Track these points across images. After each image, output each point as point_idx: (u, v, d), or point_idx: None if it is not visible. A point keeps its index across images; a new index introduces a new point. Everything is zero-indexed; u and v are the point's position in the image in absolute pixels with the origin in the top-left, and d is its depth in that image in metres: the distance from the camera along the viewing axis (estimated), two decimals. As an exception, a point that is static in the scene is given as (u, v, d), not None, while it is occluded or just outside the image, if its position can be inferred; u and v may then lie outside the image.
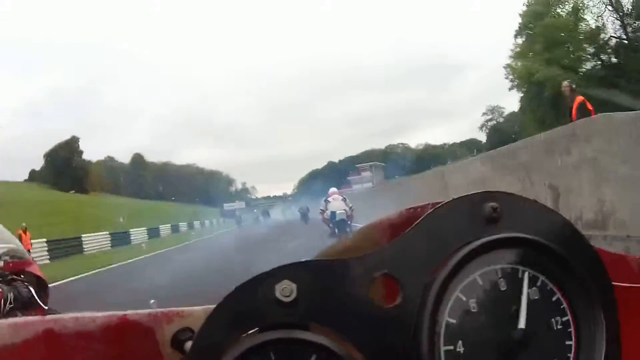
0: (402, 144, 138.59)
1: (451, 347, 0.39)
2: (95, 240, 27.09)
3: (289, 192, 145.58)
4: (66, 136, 73.49)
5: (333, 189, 11.51)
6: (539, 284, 0.43)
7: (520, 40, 37.05)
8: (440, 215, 0.43)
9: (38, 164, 74.82)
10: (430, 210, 0.43)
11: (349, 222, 10.95)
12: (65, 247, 23.26)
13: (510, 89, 38.83)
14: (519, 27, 36.77)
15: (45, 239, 21.72)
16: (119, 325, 0.42)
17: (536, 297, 0.42)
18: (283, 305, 0.38)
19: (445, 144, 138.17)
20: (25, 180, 69.88)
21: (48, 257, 20.95)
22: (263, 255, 12.22)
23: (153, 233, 36.73)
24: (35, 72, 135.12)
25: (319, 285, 0.39)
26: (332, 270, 0.40)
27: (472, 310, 0.40)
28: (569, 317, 0.43)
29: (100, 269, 15.40)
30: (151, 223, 40.20)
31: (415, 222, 0.42)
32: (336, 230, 11.08)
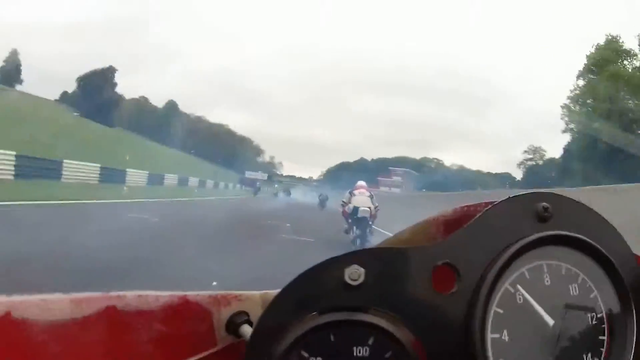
0: (436, 159, 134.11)
1: (497, 335, 0.41)
2: (80, 170, 23.54)
3: (314, 176, 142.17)
4: (104, 64, 72.71)
5: (361, 182, 10.35)
6: (579, 281, 0.45)
7: (581, 82, 34.98)
8: (496, 212, 0.46)
9: (71, 86, 73.90)
10: (488, 208, 0.46)
11: (370, 222, 9.86)
12: (39, 168, 19.51)
13: (563, 132, 37.97)
14: (584, 69, 34.37)
15: (14, 153, 17.97)
16: (179, 305, 0.43)
17: (576, 293, 0.45)
18: (350, 289, 0.40)
19: (480, 171, 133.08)
20: (56, 100, 68.91)
21: (13, 173, 17.56)
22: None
23: (154, 179, 33.32)
24: None
25: (385, 271, 0.41)
26: (398, 258, 0.42)
27: (518, 302, 0.43)
28: (603, 314, 0.45)
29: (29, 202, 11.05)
30: (160, 170, 37.36)
31: (475, 217, 0.45)
32: (354, 229, 9.95)
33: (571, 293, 0.45)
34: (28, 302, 0.37)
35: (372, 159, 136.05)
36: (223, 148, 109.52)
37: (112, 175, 26.30)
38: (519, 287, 0.43)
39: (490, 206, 0.46)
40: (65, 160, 21.81)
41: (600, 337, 0.45)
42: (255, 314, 0.43)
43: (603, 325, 0.45)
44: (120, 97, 75.18)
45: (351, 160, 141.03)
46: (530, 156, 74.20)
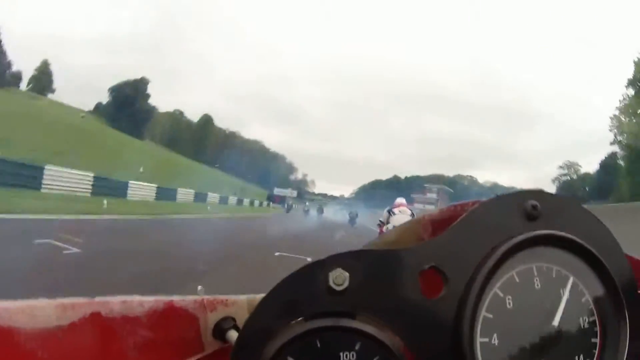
0: (470, 176, 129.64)
1: (487, 340, 0.41)
2: (142, 189, 22.26)
3: (346, 194, 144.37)
4: (137, 75, 72.33)
5: (401, 200, 9.10)
6: (570, 283, 0.44)
7: (631, 92, 32.44)
8: (483, 211, 0.45)
9: (106, 97, 73.25)
10: (475, 207, 0.45)
11: None
12: (110, 187, 21.25)
13: (612, 143, 37.43)
14: (633, 77, 32.56)
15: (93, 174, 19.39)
16: (165, 310, 0.43)
17: (567, 297, 0.44)
18: (335, 294, 0.39)
19: (513, 187, 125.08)
20: (89, 111, 68.36)
21: (90, 191, 19.05)
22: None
23: (165, 194, 29.67)
24: (125, 5, 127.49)
25: (370, 275, 0.40)
26: (383, 261, 0.41)
27: (508, 307, 0.42)
28: (595, 317, 0.45)
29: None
30: (179, 184, 34.46)
31: (461, 217, 0.44)
32: None
33: (562, 296, 0.44)
34: (14, 308, 0.36)
35: (405, 177, 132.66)
36: (256, 164, 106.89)
37: (110, 187, 23.47)
38: (508, 291, 0.43)
39: (477, 206, 0.45)
40: (48, 166, 18.79)
41: (593, 341, 0.44)
42: (242, 319, 0.42)
43: (595, 329, 0.45)
44: (152, 109, 74.09)
45: (384, 178, 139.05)
46: (565, 171, 73.87)
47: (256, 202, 56.65)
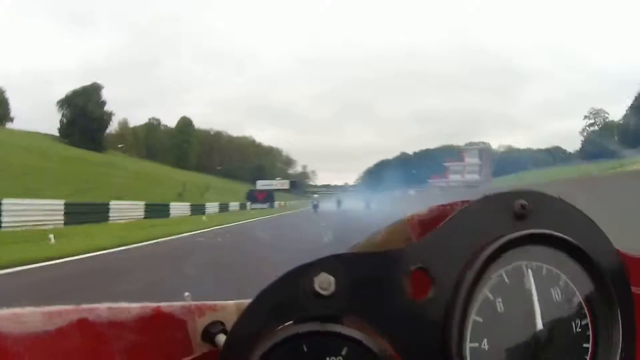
0: (483, 142, 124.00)
1: (477, 345, 0.40)
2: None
3: (350, 182, 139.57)
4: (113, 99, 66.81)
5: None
6: (561, 283, 0.44)
7: None
8: (471, 211, 0.44)
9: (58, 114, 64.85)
10: (463, 207, 0.44)
11: None
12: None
13: None
14: None
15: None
16: (153, 316, 0.42)
17: (558, 297, 0.43)
18: (321, 298, 0.39)
19: (530, 149, 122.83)
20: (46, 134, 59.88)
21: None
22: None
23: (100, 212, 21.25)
24: (98, 34, 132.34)
25: (356, 278, 0.40)
26: (369, 264, 0.41)
27: (498, 310, 0.42)
28: (587, 319, 0.44)
29: None
30: (143, 197, 27.30)
31: (448, 218, 0.43)
32: None
33: (553, 297, 0.43)
34: (1, 315, 0.36)
35: (414, 152, 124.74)
36: (249, 162, 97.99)
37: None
38: (498, 293, 0.42)
39: (465, 205, 0.45)
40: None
41: (585, 345, 0.44)
42: (231, 323, 0.41)
43: (588, 333, 0.44)
44: (108, 115, 62.91)
45: (390, 157, 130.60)
46: (592, 121, 69.26)
47: (232, 206, 45.53)
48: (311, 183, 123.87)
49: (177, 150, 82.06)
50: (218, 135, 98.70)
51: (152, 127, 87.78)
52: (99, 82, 61.60)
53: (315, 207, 43.81)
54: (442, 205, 0.52)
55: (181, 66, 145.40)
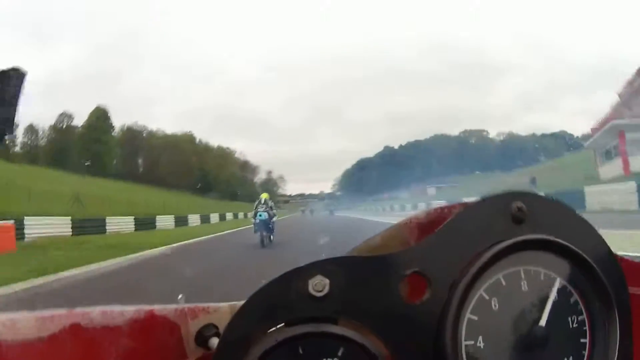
0: (480, 130, 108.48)
1: (472, 342, 0.41)
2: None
3: (326, 190, 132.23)
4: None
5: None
6: (558, 285, 0.44)
7: None
8: (468, 215, 0.44)
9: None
10: (459, 210, 0.45)
11: None
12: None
13: None
14: None
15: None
16: (146, 319, 0.43)
17: (555, 299, 0.43)
18: (315, 300, 0.39)
19: (534, 134, 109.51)
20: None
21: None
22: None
23: None
24: (61, 47, 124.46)
25: (351, 281, 0.40)
26: (364, 267, 0.41)
27: (494, 309, 0.42)
28: (584, 318, 0.45)
29: None
30: None
31: (445, 222, 0.44)
32: None
33: (550, 298, 0.43)
34: None
35: (400, 145, 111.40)
36: (187, 166, 78.78)
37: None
38: (494, 294, 0.42)
39: (462, 209, 0.45)
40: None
41: (582, 341, 0.44)
42: (224, 326, 0.41)
43: (584, 328, 0.45)
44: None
45: (371, 154, 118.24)
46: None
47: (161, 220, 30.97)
48: (282, 192, 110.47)
49: (85, 153, 61.64)
50: (150, 135, 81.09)
51: (60, 126, 67.15)
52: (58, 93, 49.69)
53: (312, 211, 50.89)
54: (440, 208, 0.52)
55: (146, 78, 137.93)
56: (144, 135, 79.33)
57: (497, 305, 0.42)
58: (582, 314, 0.44)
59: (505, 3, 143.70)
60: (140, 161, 75.74)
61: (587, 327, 0.44)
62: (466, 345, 0.40)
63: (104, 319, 0.40)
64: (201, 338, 0.44)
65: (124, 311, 0.41)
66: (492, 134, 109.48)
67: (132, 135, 76.27)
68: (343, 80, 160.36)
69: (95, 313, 0.40)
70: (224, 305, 0.47)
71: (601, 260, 0.45)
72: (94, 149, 63.73)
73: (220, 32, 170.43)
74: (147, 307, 0.43)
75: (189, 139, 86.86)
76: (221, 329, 0.45)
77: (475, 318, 0.41)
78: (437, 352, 0.40)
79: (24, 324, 0.37)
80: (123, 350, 0.41)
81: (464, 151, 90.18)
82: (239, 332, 0.38)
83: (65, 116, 69.60)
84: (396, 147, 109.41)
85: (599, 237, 0.47)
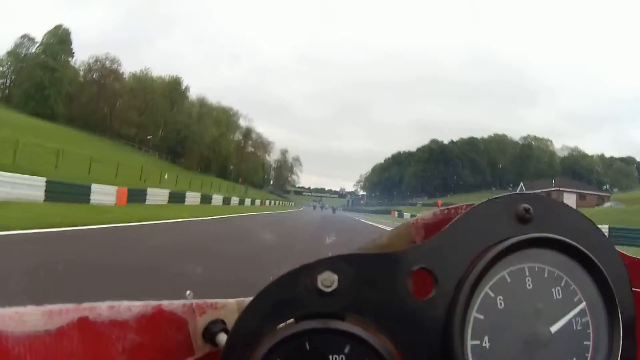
0: (548, 140, 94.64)
1: (478, 342, 0.41)
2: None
3: (347, 188, 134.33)
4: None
5: None
6: (562, 284, 0.45)
7: None
8: (475, 214, 0.45)
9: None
10: (467, 210, 0.45)
11: None
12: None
13: None
14: None
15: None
16: (154, 315, 0.42)
17: (559, 297, 0.44)
18: (323, 295, 0.39)
19: (601, 155, 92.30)
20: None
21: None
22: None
23: None
24: (92, 10, 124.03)
25: (359, 277, 0.40)
26: (373, 264, 0.41)
27: (499, 307, 0.42)
28: (588, 318, 0.45)
29: None
30: None
31: (452, 221, 0.44)
32: None
33: (554, 297, 0.44)
34: (2, 314, 0.36)
35: (452, 141, 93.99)
36: (167, 118, 66.26)
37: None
38: (499, 291, 0.42)
39: (469, 209, 0.45)
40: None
41: (585, 342, 0.44)
42: (232, 321, 0.41)
43: (588, 330, 0.44)
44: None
45: (413, 149, 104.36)
46: None
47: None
48: (296, 181, 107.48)
49: (32, 89, 46.20)
50: (112, 71, 62.76)
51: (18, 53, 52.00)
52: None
53: (322, 207, 60.78)
54: (447, 209, 0.52)
55: (176, 50, 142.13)
56: (113, 69, 62.72)
57: (502, 304, 0.42)
58: (585, 314, 0.44)
59: (554, 28, 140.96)
60: (104, 108, 61.49)
61: (590, 328, 0.44)
62: (472, 345, 0.40)
63: (112, 313, 0.40)
64: (209, 334, 0.44)
65: (131, 306, 0.41)
66: (557, 145, 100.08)
67: (98, 69, 60.64)
68: (375, 82, 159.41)
69: (103, 307, 0.40)
70: (231, 301, 0.47)
71: (606, 260, 0.46)
72: (36, 77, 48.03)
73: (257, 15, 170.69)
74: (154, 302, 0.43)
75: (172, 82, 70.95)
76: (229, 325, 0.45)
77: (482, 317, 0.41)
78: (445, 352, 0.40)
79: (31, 317, 0.37)
80: (130, 345, 0.40)
81: (524, 157, 77.33)
82: (248, 328, 0.38)
83: (26, 36, 56.09)
84: (446, 142, 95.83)
85: (605, 237, 0.47)
